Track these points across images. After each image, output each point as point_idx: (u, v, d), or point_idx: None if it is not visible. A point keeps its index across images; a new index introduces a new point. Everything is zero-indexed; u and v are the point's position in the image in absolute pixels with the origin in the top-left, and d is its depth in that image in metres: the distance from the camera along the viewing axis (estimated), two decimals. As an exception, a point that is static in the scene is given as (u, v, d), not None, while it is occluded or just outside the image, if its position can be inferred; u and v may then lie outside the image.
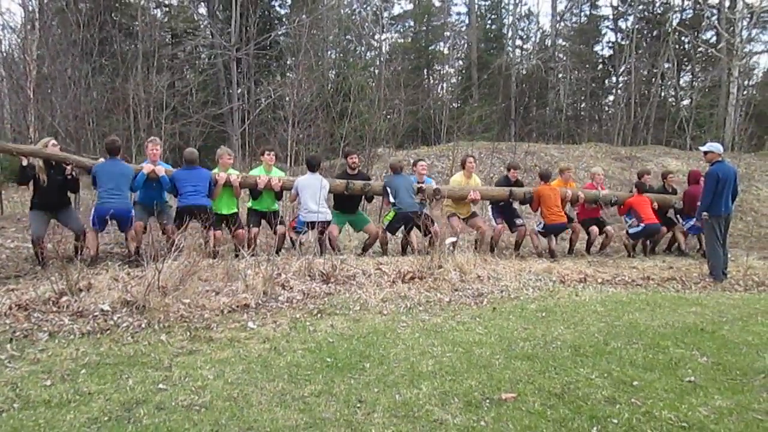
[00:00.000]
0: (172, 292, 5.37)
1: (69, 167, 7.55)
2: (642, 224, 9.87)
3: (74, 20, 16.78)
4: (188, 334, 4.68)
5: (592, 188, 10.24)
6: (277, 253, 7.83)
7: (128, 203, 7.62)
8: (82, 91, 14.40)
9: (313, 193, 8.27)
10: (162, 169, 7.92)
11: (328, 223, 8.40)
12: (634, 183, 10.39)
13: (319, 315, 5.42)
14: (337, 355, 4.31)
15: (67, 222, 7.59)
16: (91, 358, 4.09)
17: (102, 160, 7.74)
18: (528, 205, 9.82)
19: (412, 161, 11.76)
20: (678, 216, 10.54)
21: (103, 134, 17.15)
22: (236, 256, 7.38)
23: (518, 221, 9.67)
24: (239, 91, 23.25)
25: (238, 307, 5.44)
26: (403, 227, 8.80)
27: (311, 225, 8.20)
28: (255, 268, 6.32)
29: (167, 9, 26.81)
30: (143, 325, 4.78)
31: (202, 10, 27.42)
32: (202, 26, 25.49)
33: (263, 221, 8.60)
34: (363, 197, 9.06)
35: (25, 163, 7.32)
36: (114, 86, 16.86)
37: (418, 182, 9.08)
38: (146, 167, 7.86)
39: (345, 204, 8.97)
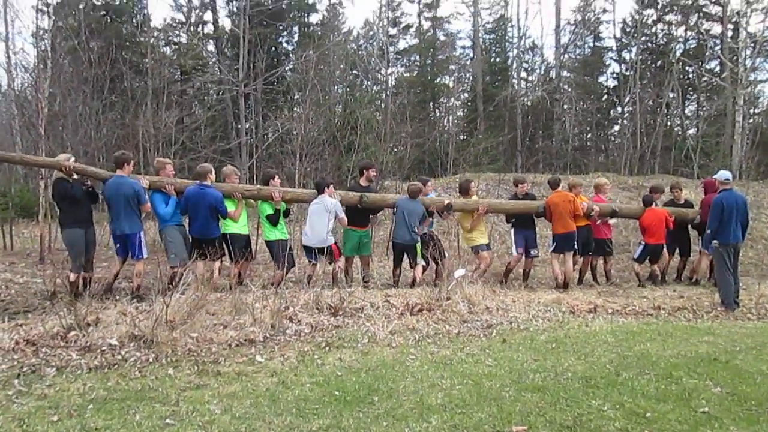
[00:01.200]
0: (179, 325, 5.35)
1: (88, 181, 7.69)
2: (642, 243, 9.91)
3: (86, 58, 17.14)
4: (196, 368, 4.66)
5: (600, 201, 10.08)
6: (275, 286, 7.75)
7: (133, 225, 7.53)
8: (93, 127, 14.63)
9: (315, 219, 8.27)
10: (172, 190, 7.91)
11: (330, 250, 8.26)
12: (642, 197, 10.27)
13: (327, 348, 5.39)
14: (346, 389, 4.27)
15: (90, 243, 7.67)
16: (98, 393, 4.07)
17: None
18: (544, 217, 9.62)
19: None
20: (701, 238, 10.26)
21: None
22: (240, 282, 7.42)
23: (533, 252, 9.64)
24: (247, 125, 23.56)
25: (245, 340, 5.41)
26: (408, 258, 8.82)
27: (315, 251, 8.20)
28: (263, 301, 6.31)
29: (176, 47, 27.36)
30: (151, 360, 4.77)
31: (211, 47, 27.97)
32: (210, 63, 25.96)
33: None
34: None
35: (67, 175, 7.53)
36: (124, 122, 17.10)
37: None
38: (144, 181, 7.80)
39: (357, 217, 8.79)
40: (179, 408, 3.85)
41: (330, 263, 8.36)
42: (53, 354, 4.77)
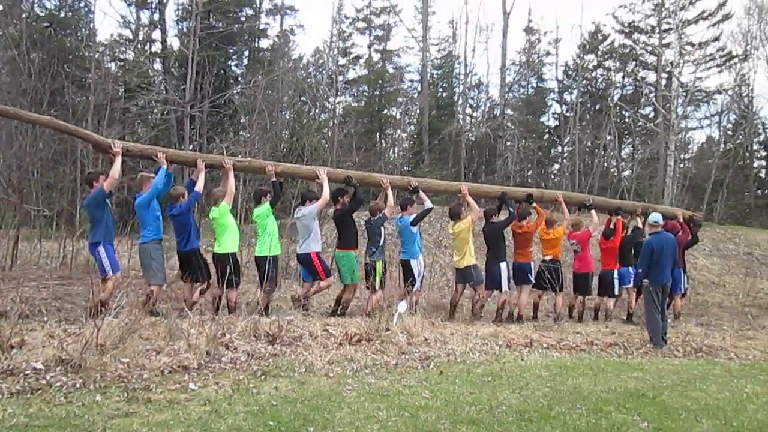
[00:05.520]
0: (110, 350, 5.17)
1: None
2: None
3: (25, 69, 16.58)
4: (125, 395, 4.50)
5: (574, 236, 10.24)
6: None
7: (94, 239, 7.29)
8: (29, 141, 14.04)
9: (298, 228, 8.64)
10: (164, 159, 7.86)
11: (312, 265, 8.43)
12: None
13: (263, 377, 5.30)
14: (281, 419, 4.21)
15: None
16: (18, 419, 3.88)
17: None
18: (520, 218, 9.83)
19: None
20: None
21: (47, 185, 16.77)
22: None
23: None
24: (191, 147, 23.14)
25: (179, 367, 5.26)
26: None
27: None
28: (199, 327, 6.16)
29: (122, 63, 26.79)
30: (78, 385, 4.58)
31: (158, 66, 27.51)
32: (156, 82, 25.50)
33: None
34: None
35: None
36: (62, 137, 16.53)
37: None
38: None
39: (353, 235, 8.79)
40: (105, 436, 3.71)
41: (312, 281, 8.52)
42: (-28, 377, 4.54)
